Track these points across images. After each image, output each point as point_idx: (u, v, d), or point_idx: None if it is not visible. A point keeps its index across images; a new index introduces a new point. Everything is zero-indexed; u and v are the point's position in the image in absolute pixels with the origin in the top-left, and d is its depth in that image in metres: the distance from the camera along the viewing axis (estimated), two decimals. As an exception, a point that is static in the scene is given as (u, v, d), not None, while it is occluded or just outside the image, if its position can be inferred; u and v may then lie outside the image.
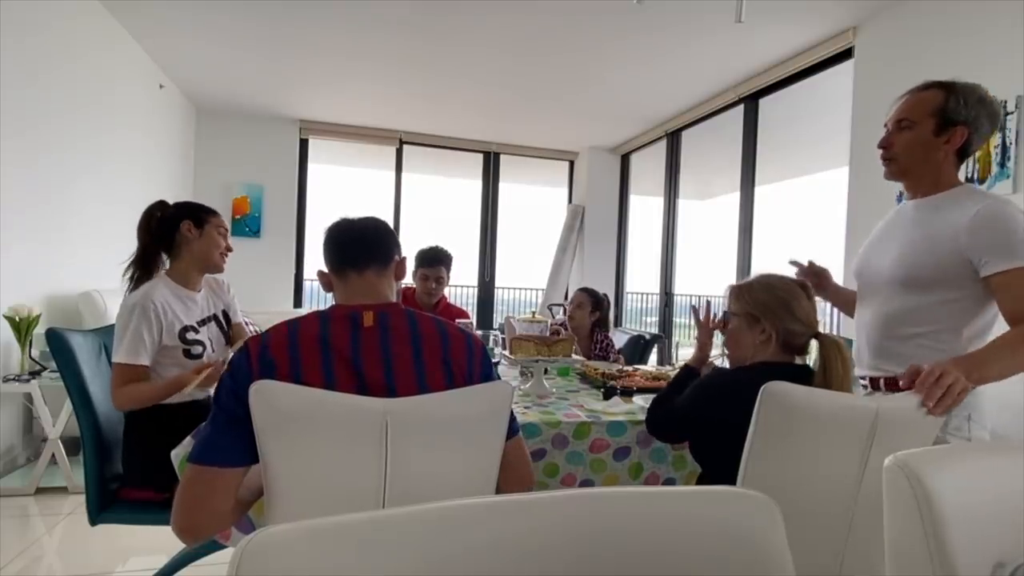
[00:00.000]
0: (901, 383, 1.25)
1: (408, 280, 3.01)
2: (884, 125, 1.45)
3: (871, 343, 1.46)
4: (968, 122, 1.33)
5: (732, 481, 1.16)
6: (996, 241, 1.26)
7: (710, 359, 1.62)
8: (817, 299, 1.51)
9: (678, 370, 1.61)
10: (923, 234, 1.36)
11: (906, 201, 1.47)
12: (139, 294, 1.71)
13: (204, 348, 1.79)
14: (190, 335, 1.77)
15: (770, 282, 1.38)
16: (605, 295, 3.20)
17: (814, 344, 1.37)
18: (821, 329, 1.38)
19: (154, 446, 1.61)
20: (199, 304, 1.84)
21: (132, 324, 1.66)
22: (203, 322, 1.83)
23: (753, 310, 1.36)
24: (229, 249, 1.88)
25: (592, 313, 3.09)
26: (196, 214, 1.82)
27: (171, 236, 1.79)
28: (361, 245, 1.19)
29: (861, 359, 1.50)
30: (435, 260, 2.82)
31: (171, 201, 1.86)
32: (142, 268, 1.79)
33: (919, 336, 1.36)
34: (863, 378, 1.48)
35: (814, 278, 1.67)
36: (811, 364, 1.41)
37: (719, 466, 1.35)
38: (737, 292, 1.40)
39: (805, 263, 1.71)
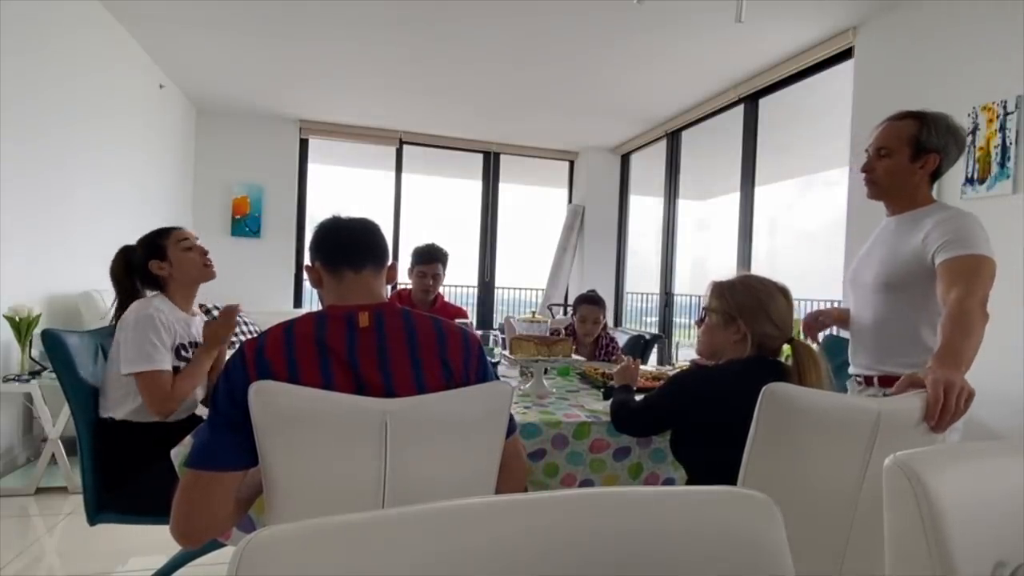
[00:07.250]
0: (894, 390, 1.26)
1: (403, 283, 3.02)
2: (865, 150, 1.61)
3: (868, 346, 1.60)
4: (939, 150, 1.51)
5: (716, 480, 1.18)
6: (951, 236, 1.40)
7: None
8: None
9: (616, 384, 1.77)
10: (900, 242, 1.54)
11: (888, 217, 1.65)
12: (138, 306, 1.70)
13: None
14: (183, 353, 1.76)
15: (750, 283, 1.40)
16: (600, 296, 3.10)
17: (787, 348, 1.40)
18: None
19: (127, 467, 1.68)
20: (192, 329, 1.84)
21: (140, 334, 1.63)
22: (193, 344, 1.82)
23: (731, 310, 1.38)
24: (203, 252, 1.85)
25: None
26: (154, 247, 1.80)
27: (151, 277, 1.81)
28: (360, 244, 1.18)
29: (858, 360, 1.64)
30: (432, 257, 2.82)
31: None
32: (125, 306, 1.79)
33: (909, 333, 1.49)
34: (859, 376, 1.63)
35: (814, 328, 1.84)
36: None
37: (700, 464, 1.37)
38: (719, 291, 1.43)
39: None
